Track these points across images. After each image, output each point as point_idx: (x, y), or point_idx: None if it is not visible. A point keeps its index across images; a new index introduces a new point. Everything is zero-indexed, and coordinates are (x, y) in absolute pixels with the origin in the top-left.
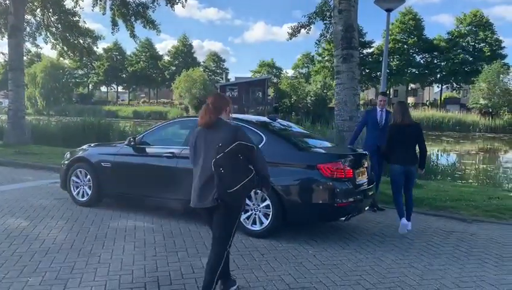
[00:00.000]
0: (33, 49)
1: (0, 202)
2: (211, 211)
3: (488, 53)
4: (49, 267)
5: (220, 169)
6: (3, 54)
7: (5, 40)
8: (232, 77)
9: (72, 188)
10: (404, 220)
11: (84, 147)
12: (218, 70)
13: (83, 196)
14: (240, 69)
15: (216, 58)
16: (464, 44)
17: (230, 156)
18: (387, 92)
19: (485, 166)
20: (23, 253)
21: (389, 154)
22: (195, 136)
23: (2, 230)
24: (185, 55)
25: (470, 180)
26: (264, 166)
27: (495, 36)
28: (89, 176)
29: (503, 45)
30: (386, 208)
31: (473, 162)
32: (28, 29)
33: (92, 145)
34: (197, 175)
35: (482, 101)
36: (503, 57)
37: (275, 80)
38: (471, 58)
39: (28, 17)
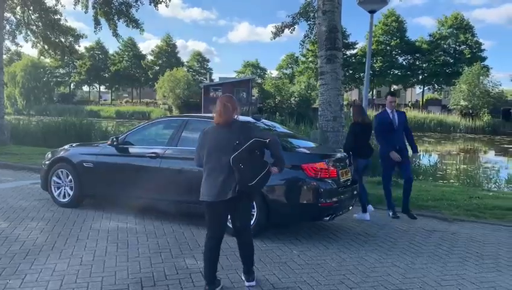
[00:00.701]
0: (13, 48)
1: None
2: (229, 204)
3: (469, 55)
4: (30, 269)
5: (239, 165)
6: None
7: None
8: (216, 77)
9: (53, 189)
10: (370, 207)
11: (65, 147)
12: (202, 71)
13: (64, 197)
14: (224, 69)
15: (200, 58)
16: (445, 46)
17: (248, 152)
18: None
19: (465, 166)
20: (2, 255)
21: (354, 150)
22: (202, 135)
23: None
24: (168, 54)
25: (451, 180)
26: (279, 152)
27: (475, 39)
28: (70, 177)
29: (483, 47)
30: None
31: (454, 162)
32: (7, 27)
33: (74, 145)
34: (214, 171)
35: (462, 103)
36: (483, 59)
37: (259, 81)
38: (452, 60)
39: (8, 14)
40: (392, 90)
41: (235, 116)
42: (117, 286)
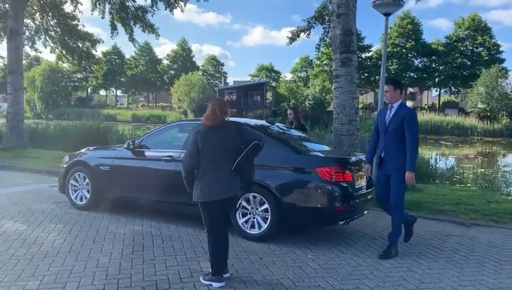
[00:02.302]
0: (32, 53)
1: None
2: (224, 201)
3: (486, 57)
4: (48, 270)
5: (245, 167)
6: (2, 57)
7: (4, 43)
8: (230, 80)
9: (70, 192)
10: None
11: (82, 150)
12: (216, 74)
13: (81, 200)
14: (238, 73)
15: (215, 62)
16: (462, 48)
17: (250, 155)
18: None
19: (483, 170)
20: (21, 257)
21: None
22: (200, 137)
23: (0, 234)
24: (184, 59)
25: (469, 184)
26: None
27: (493, 40)
28: (87, 180)
29: (501, 49)
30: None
31: (472, 166)
32: (27, 33)
33: (91, 148)
34: (217, 172)
35: (480, 105)
36: (501, 61)
37: (274, 84)
38: (469, 63)
39: (27, 20)
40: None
41: (226, 118)
42: (133, 288)
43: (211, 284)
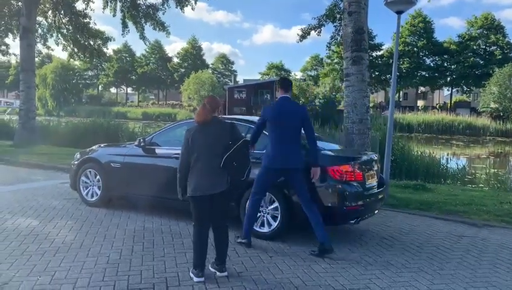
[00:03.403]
0: (44, 51)
1: (11, 201)
2: (213, 198)
3: (500, 56)
4: (59, 266)
5: (232, 163)
6: (15, 55)
7: (17, 41)
8: (240, 79)
9: (81, 189)
10: None
11: (94, 147)
12: (226, 73)
13: (92, 196)
14: (248, 72)
15: (225, 61)
16: (474, 47)
17: (239, 151)
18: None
19: (495, 170)
20: (33, 252)
21: None
22: (190, 135)
23: (12, 229)
24: (194, 57)
25: (481, 185)
26: None
27: (506, 39)
28: (98, 177)
29: None
30: (395, 212)
31: (484, 166)
32: (39, 30)
33: (102, 145)
34: (205, 168)
35: (492, 105)
36: None
37: None
38: (482, 62)
39: (40, 18)
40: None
41: (217, 114)
42: (143, 285)
43: (192, 278)
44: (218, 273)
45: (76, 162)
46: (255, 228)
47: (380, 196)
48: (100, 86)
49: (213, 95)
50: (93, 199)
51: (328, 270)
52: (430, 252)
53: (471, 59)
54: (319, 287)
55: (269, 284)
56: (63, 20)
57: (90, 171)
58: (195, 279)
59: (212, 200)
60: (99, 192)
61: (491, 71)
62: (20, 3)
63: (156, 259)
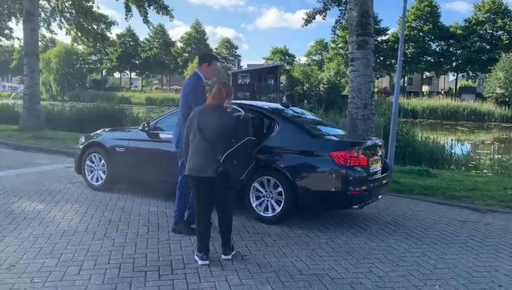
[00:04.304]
0: (48, 35)
1: (17, 185)
2: (212, 181)
3: (506, 41)
4: (65, 249)
5: (233, 161)
6: (18, 39)
7: (20, 25)
8: (244, 64)
9: (86, 173)
10: None
11: (98, 132)
12: (230, 57)
13: (97, 180)
14: (252, 56)
15: (228, 45)
16: (481, 32)
17: (242, 149)
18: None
19: (500, 156)
20: (39, 235)
21: None
22: (196, 115)
23: (18, 212)
24: (197, 41)
25: (485, 170)
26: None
27: None
28: (103, 161)
29: None
30: (399, 197)
31: (488, 152)
32: (42, 14)
33: (106, 130)
34: (198, 149)
35: (498, 90)
36: None
37: (288, 68)
38: (488, 46)
39: (43, 2)
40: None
41: (228, 100)
42: (148, 268)
43: (197, 261)
44: (222, 256)
45: (81, 147)
46: (259, 212)
47: (383, 181)
48: (104, 71)
49: (226, 81)
50: (98, 183)
51: (332, 254)
52: (433, 237)
53: (478, 44)
54: (323, 270)
55: (273, 267)
56: (66, 4)
57: (94, 156)
58: (200, 262)
59: (212, 183)
60: (104, 176)
61: (497, 56)
62: None
63: (161, 242)
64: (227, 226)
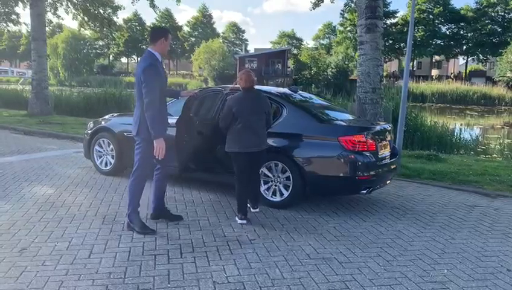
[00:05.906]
0: (55, 20)
1: (27, 170)
2: (254, 154)
3: None
4: (75, 233)
5: (266, 128)
6: (25, 24)
7: (27, 10)
8: (251, 48)
9: (95, 157)
10: None
11: (106, 117)
12: (237, 42)
13: (106, 165)
14: (259, 40)
15: (235, 29)
16: (492, 14)
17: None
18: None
19: (510, 141)
20: (50, 219)
21: None
22: (235, 102)
23: (29, 197)
24: (204, 26)
25: (494, 155)
26: None
27: None
28: (111, 146)
29: None
30: (407, 182)
31: (498, 136)
32: None
33: (115, 115)
34: (251, 128)
35: (509, 74)
36: None
37: (295, 52)
38: (499, 29)
39: None
40: (433, 60)
41: (254, 85)
42: (157, 251)
43: (236, 220)
44: (252, 209)
45: (89, 132)
46: (266, 196)
47: (392, 166)
48: (111, 56)
49: (247, 68)
50: (107, 168)
51: (340, 238)
52: (442, 221)
53: (489, 26)
54: (331, 254)
55: (281, 251)
56: None
57: (103, 141)
58: (239, 221)
59: (253, 157)
60: (112, 161)
61: (508, 39)
62: None
63: (170, 226)
64: (258, 190)
